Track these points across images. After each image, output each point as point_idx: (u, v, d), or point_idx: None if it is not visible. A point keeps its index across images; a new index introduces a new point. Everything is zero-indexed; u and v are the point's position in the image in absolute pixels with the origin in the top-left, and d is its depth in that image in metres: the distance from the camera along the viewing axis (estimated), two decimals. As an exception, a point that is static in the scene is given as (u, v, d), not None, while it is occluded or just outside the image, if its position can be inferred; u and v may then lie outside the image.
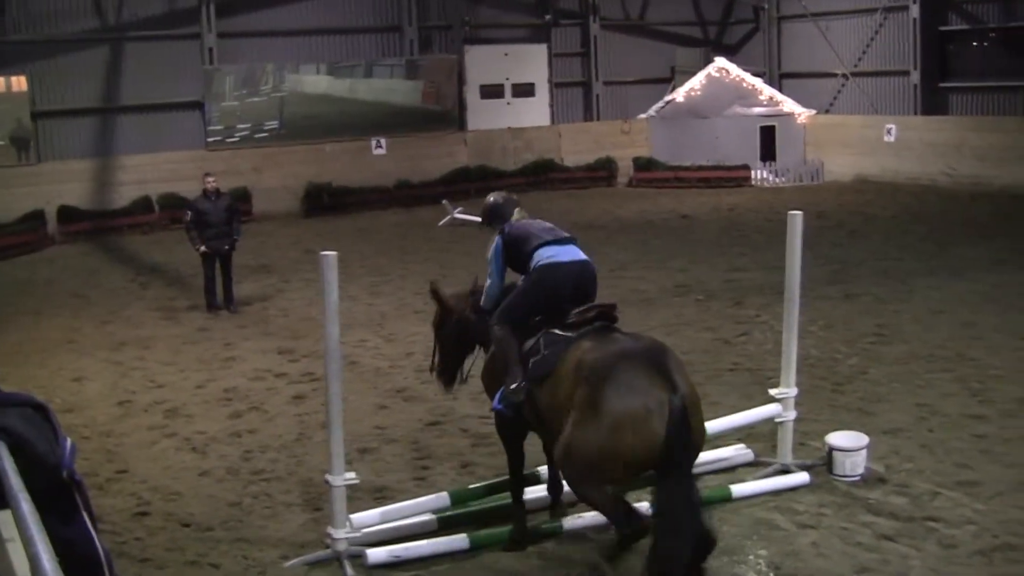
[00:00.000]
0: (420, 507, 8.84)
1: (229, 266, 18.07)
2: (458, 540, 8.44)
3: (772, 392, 9.56)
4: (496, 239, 8.82)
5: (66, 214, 27.71)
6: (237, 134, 31.75)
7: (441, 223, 27.56)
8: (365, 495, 9.36)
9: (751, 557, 8.17)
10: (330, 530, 8.30)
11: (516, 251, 8.61)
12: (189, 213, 17.92)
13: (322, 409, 9.07)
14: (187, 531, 9.18)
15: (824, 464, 9.81)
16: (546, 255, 8.39)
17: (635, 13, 39.04)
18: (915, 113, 35.26)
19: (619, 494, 7.87)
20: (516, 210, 9.19)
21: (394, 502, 8.98)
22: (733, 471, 9.89)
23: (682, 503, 7.11)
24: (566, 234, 8.73)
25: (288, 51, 32.63)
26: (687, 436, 7.13)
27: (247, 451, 11.16)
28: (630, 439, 7.12)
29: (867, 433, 9.82)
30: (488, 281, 8.90)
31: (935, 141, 32.72)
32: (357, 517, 8.44)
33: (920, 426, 9.38)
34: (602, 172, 35.69)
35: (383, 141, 33.02)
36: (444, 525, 8.73)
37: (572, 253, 8.49)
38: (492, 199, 9.42)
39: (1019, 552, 8.14)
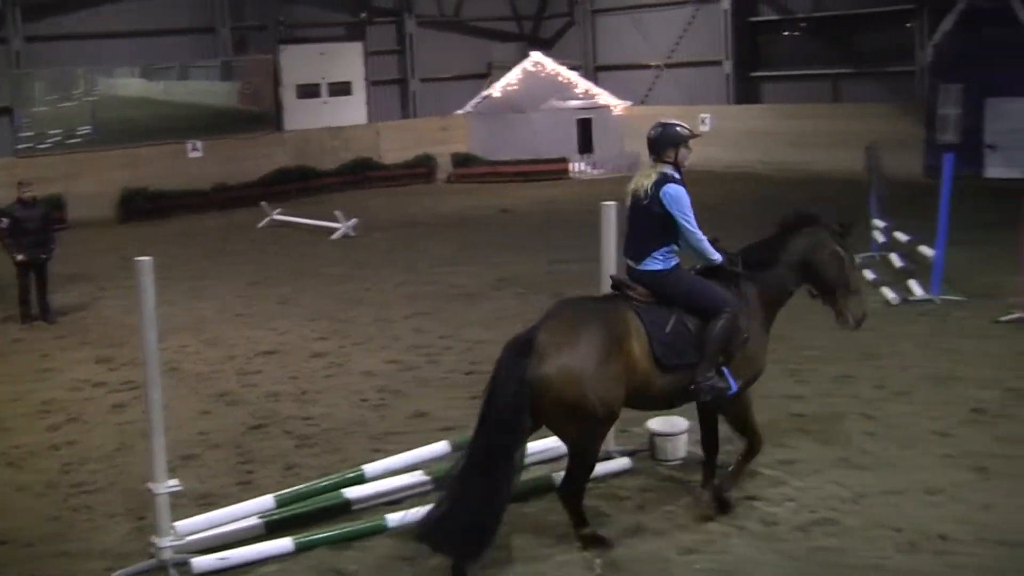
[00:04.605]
0: (245, 511, 8.75)
1: (44, 275, 17.60)
2: (284, 543, 8.39)
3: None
4: (677, 188, 8.33)
5: None
6: (49, 140, 30.96)
7: (260, 225, 27.24)
8: (190, 502, 9.22)
9: (577, 544, 8.29)
10: (154, 539, 8.17)
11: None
12: (5, 221, 17.37)
13: (143, 417, 8.92)
14: (6, 548, 8.91)
15: (646, 449, 10.02)
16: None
17: (450, 10, 39.18)
18: (729, 103, 36.19)
19: None
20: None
21: (219, 507, 8.88)
22: (558, 461, 10.00)
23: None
24: None
25: (100, 54, 31.83)
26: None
27: (66, 464, 10.88)
28: None
29: (686, 418, 10.02)
30: (697, 236, 8.40)
31: (749, 129, 33.61)
32: (182, 524, 8.31)
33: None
34: (421, 169, 35.74)
35: (199, 144, 32.49)
36: (271, 528, 8.67)
37: None
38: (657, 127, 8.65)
39: (836, 526, 8.42)
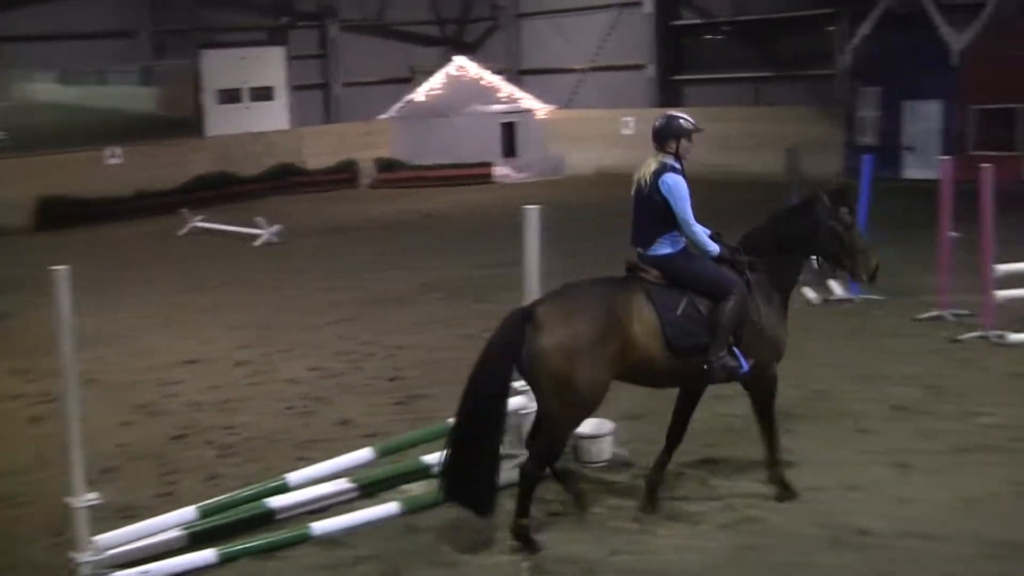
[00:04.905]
0: (167, 523, 8.63)
1: (-42, 286, 17.30)
2: (207, 555, 8.28)
3: (516, 384, 9.69)
4: (675, 177, 8.53)
5: None
6: (-38, 146, 30.40)
7: (182, 232, 26.96)
8: (110, 515, 9.07)
9: (503, 548, 8.27)
10: (73, 554, 8.03)
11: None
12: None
13: (62, 429, 8.76)
14: (-81, 568, 8.74)
15: (570, 452, 10.01)
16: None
17: (373, 14, 39.05)
18: (652, 106, 36.40)
19: None
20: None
21: (140, 520, 8.75)
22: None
23: None
24: None
25: (16, 58, 31.31)
26: None
27: (-18, 479, 10.68)
28: None
29: (611, 419, 10.04)
30: (692, 226, 8.58)
31: (670, 133, 33.79)
32: (102, 538, 8.16)
33: (664, 409, 9.67)
34: (345, 174, 35.60)
35: (118, 150, 32.03)
36: (193, 540, 8.56)
37: None
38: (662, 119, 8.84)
39: (761, 523, 8.49)
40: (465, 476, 8.32)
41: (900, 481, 9.24)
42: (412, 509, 9.02)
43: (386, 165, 35.71)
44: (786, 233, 9.01)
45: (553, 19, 39.62)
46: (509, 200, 28.13)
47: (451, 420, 8.66)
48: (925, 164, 29.40)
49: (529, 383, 8.49)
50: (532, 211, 9.61)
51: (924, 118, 32.32)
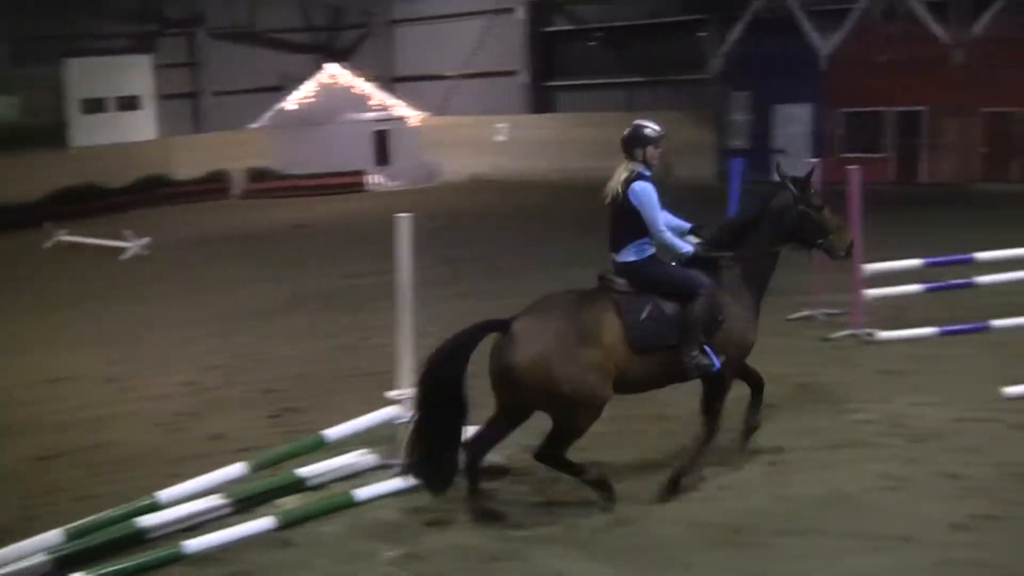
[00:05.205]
0: (32, 547, 8.35)
1: None
2: (76, 578, 8.04)
3: (389, 394, 9.59)
4: (643, 185, 8.93)
5: None
6: None
7: (46, 246, 26.33)
8: (-28, 542, 8.77)
9: (379, 560, 8.17)
10: (-71, 584, 7.75)
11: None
12: None
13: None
14: None
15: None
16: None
17: (243, 21, 38.56)
18: (524, 112, 36.55)
19: None
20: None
21: (3, 546, 8.46)
22: (359, 476, 9.86)
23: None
24: None
25: None
26: None
27: None
28: None
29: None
30: (661, 231, 8.98)
31: (544, 138, 33.99)
32: (-38, 566, 7.91)
33: (537, 414, 9.66)
34: (215, 184, 35.18)
35: (-24, 162, 31.16)
36: (60, 564, 8.28)
37: None
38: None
39: (635, 525, 8.51)
40: (427, 455, 8.68)
41: (774, 479, 9.33)
42: (287, 523, 8.86)
43: (257, 175, 35.35)
44: (756, 224, 9.42)
45: (426, 26, 39.57)
46: (382, 208, 27.95)
47: (326, 432, 8.54)
48: (795, 166, 29.88)
49: (501, 393, 8.68)
50: (404, 219, 9.53)
51: (794, 121, 32.97)
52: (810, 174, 9.61)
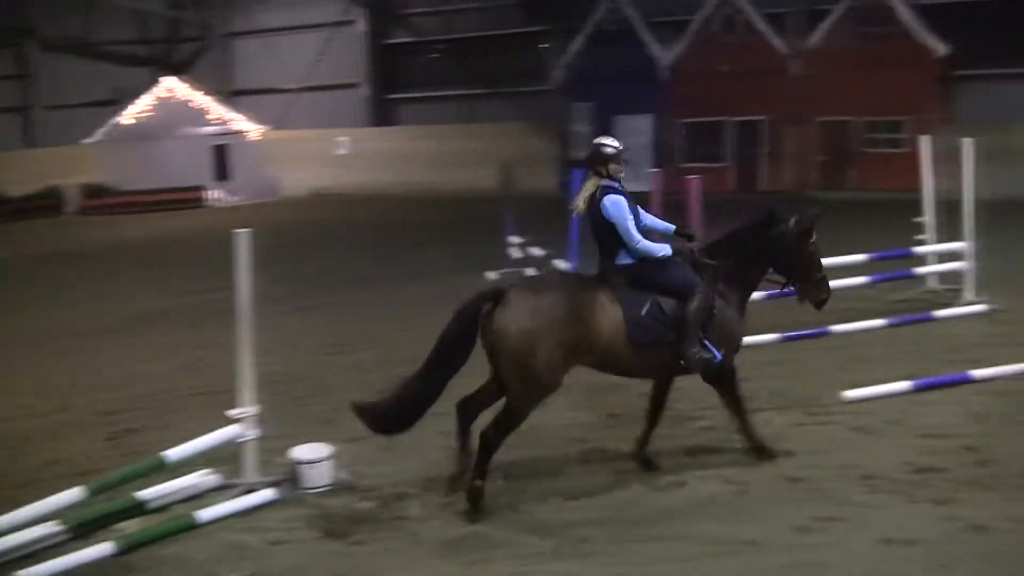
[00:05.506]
0: None
1: None
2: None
3: (230, 413, 9.44)
4: (613, 198, 9.21)
5: None
6: None
7: None
8: None
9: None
10: None
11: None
12: None
13: None
14: None
15: (290, 479, 9.81)
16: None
17: (77, 33, 37.72)
18: (366, 125, 36.46)
19: None
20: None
21: None
22: (201, 497, 9.68)
23: None
24: None
25: None
26: None
27: None
28: None
29: (331, 443, 9.90)
30: (635, 240, 9.19)
31: (386, 151, 33.97)
32: None
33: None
34: (48, 201, 34.36)
35: None
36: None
37: None
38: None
39: (483, 539, 8.48)
40: (399, 404, 9.00)
41: (620, 488, 9.41)
42: (127, 548, 8.65)
43: (94, 191, 34.60)
44: (752, 244, 9.66)
45: (265, 38, 39.21)
46: (222, 224, 27.62)
47: (167, 452, 8.59)
48: (636, 176, 30.34)
49: (492, 358, 8.94)
50: (242, 235, 9.39)
51: (635, 132, 33.48)
52: (816, 218, 9.78)
